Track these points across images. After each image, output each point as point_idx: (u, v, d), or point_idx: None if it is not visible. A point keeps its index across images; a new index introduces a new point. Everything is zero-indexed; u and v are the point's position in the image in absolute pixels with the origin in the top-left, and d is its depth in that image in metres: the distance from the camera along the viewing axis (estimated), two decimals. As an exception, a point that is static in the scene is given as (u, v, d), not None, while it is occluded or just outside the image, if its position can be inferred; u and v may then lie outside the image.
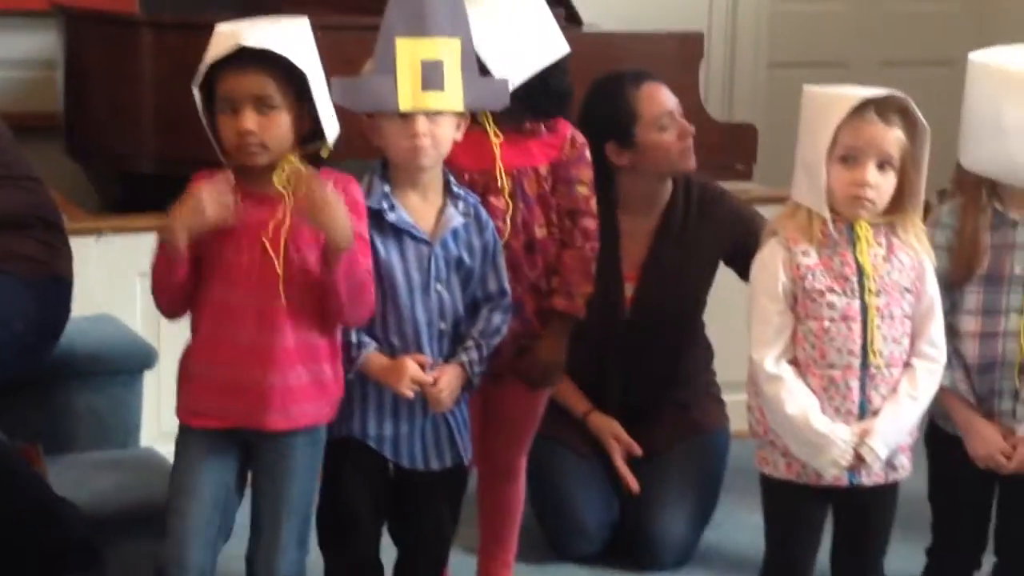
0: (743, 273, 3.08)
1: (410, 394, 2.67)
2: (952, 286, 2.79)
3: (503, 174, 2.92)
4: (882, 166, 2.61)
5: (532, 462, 3.26)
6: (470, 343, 2.76)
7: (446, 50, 2.63)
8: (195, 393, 2.63)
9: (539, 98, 2.95)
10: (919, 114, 2.64)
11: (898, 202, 2.65)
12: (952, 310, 2.79)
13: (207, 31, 2.59)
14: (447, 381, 2.70)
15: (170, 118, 3.97)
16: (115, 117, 4.17)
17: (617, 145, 3.19)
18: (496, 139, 2.92)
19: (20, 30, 4.19)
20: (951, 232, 2.80)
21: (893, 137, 2.60)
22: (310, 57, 2.56)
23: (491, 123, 2.91)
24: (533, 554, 3.40)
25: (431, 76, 2.61)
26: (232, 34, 2.52)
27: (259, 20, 2.61)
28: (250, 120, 2.51)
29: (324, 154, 2.62)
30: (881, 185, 2.61)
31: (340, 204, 2.49)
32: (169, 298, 2.60)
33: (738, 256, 3.22)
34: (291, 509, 2.64)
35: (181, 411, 2.66)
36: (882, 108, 2.61)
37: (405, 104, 2.61)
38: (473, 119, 2.79)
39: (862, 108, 2.59)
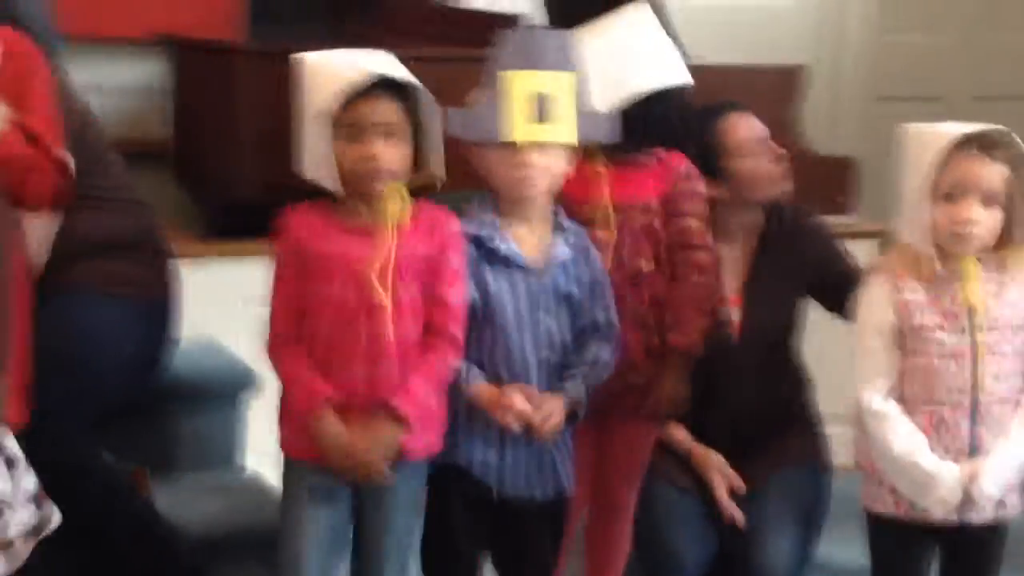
0: (829, 305, 3.10)
1: (516, 426, 2.65)
2: None
3: (609, 206, 2.92)
4: (986, 202, 2.59)
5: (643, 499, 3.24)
6: (575, 373, 2.74)
7: (558, 84, 2.66)
8: (298, 424, 2.61)
9: (644, 129, 2.95)
10: (1023, 146, 2.61)
11: (1007, 237, 2.63)
12: None
13: (307, 59, 2.64)
14: (551, 413, 2.68)
15: (273, 145, 3.99)
16: (220, 145, 4.21)
17: (710, 179, 3.17)
18: (603, 171, 2.94)
19: (131, 58, 4.26)
20: None
21: (996, 172, 2.60)
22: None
23: (599, 155, 2.92)
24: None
25: (543, 108, 2.63)
26: (357, 64, 2.55)
27: (361, 52, 2.65)
28: (377, 146, 2.52)
29: (438, 185, 2.63)
30: (986, 221, 2.60)
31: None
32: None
33: (825, 288, 3.18)
34: (396, 540, 2.65)
35: (286, 444, 2.66)
36: (983, 143, 2.60)
37: (517, 135, 2.62)
38: (584, 151, 2.79)
39: (963, 144, 2.58)
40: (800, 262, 3.21)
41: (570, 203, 2.87)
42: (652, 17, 3.13)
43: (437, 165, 2.62)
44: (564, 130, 2.66)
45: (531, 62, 2.64)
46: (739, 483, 3.33)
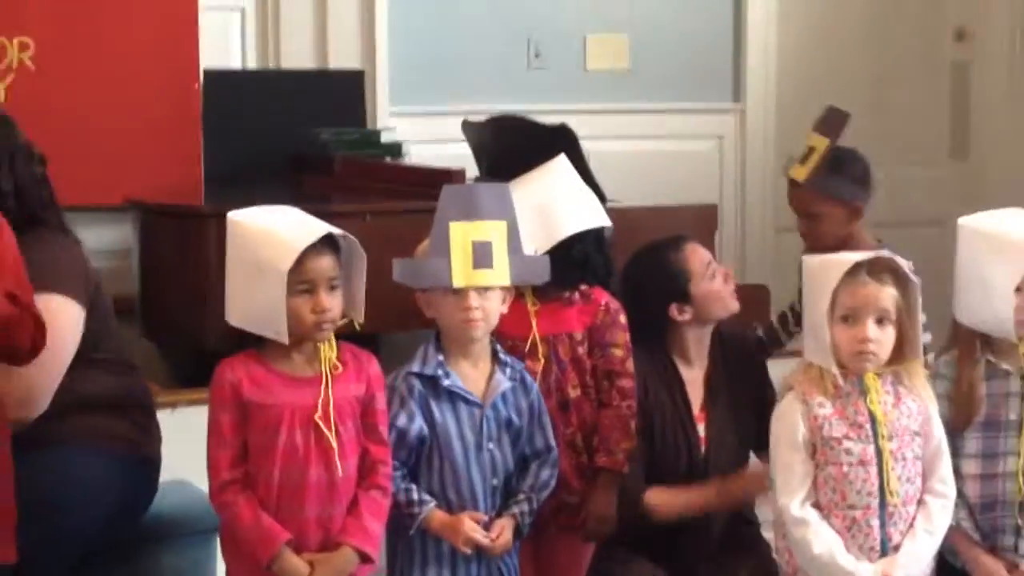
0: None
1: (467, 551, 2.69)
2: (953, 431, 2.80)
3: (538, 339, 2.99)
4: (880, 321, 2.64)
5: None
6: (521, 497, 2.79)
7: (494, 232, 2.71)
8: (251, 565, 2.61)
9: (567, 269, 3.02)
10: (908, 270, 2.68)
11: (899, 353, 2.67)
12: (954, 454, 2.80)
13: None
14: (504, 536, 2.74)
15: (234, 299, 4.05)
16: (185, 299, 4.23)
17: (679, 304, 3.23)
18: (532, 308, 3.00)
19: (99, 223, 4.29)
20: (949, 383, 2.82)
21: (887, 294, 2.64)
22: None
23: (531, 294, 2.99)
24: None
25: (481, 255, 2.69)
26: (302, 222, 2.59)
27: (283, 208, 2.68)
28: (326, 299, 2.55)
29: (358, 327, 2.65)
30: (881, 339, 2.64)
31: None
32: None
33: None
34: None
35: None
36: (873, 268, 2.65)
37: (459, 281, 2.68)
38: (516, 290, 2.85)
39: (855, 270, 2.63)
40: (747, 382, 3.26)
41: (503, 337, 2.92)
42: (570, 168, 3.20)
43: (359, 311, 2.64)
44: (501, 274, 2.71)
45: (470, 213, 2.70)
46: None
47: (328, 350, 2.59)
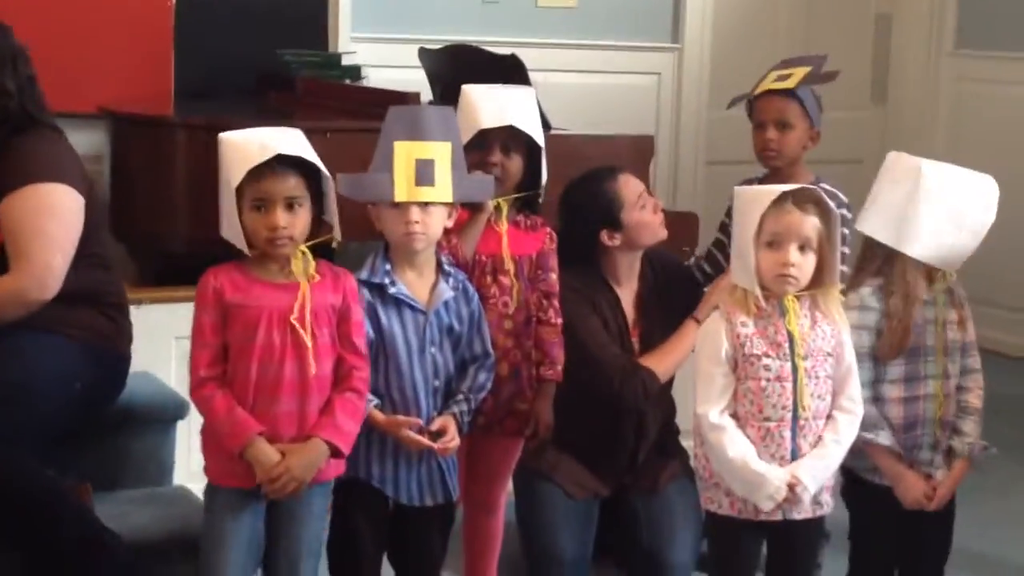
0: None
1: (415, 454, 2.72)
2: (883, 360, 2.81)
3: (508, 258, 3.00)
4: (802, 248, 2.64)
5: (525, 498, 3.26)
6: (460, 397, 2.79)
7: (438, 151, 2.67)
8: (225, 457, 2.60)
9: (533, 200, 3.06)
10: (830, 202, 2.68)
11: (818, 278, 2.68)
12: (878, 379, 2.82)
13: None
14: (450, 433, 2.74)
15: (199, 205, 3.95)
16: (153, 204, 4.18)
17: (610, 230, 3.22)
18: (503, 229, 3.01)
19: (74, 129, 4.23)
20: (878, 315, 2.81)
21: (809, 223, 2.64)
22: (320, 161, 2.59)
23: (504, 216, 3.00)
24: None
25: (424, 173, 2.66)
26: (262, 142, 2.53)
27: (272, 130, 2.63)
28: (282, 217, 2.53)
29: (335, 244, 2.64)
30: (802, 264, 2.64)
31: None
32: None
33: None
34: (307, 549, 2.64)
35: (210, 472, 2.65)
36: (799, 199, 2.65)
37: (400, 196, 2.65)
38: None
39: (782, 200, 2.63)
40: (678, 298, 3.27)
41: (479, 253, 2.95)
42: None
43: (334, 227, 2.62)
44: (443, 191, 2.68)
45: (415, 133, 2.67)
46: None
47: (300, 262, 2.57)
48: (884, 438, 2.79)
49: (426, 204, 2.67)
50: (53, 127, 3.01)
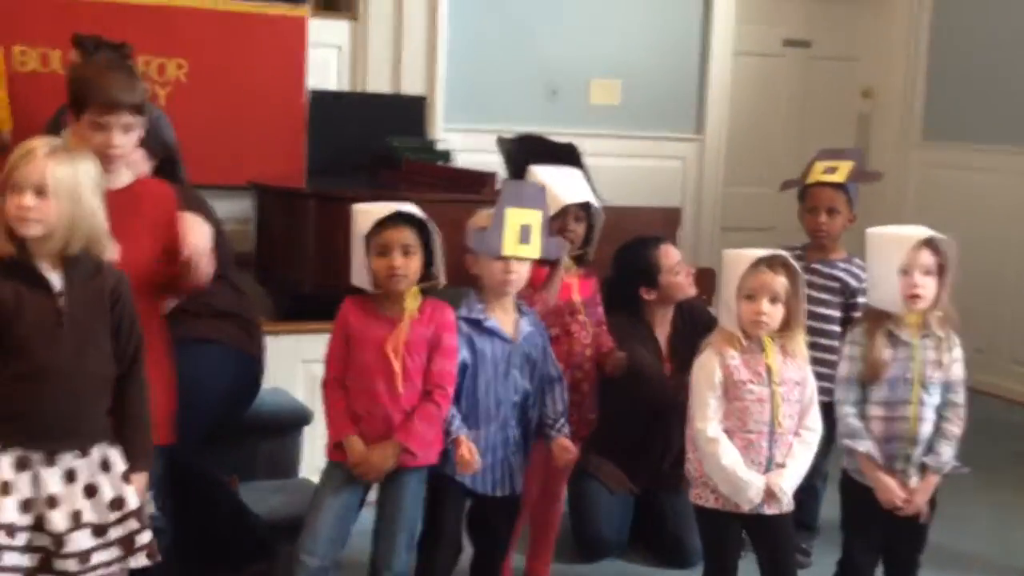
0: None
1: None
2: (866, 384, 2.77)
3: (579, 303, 3.00)
4: (772, 301, 2.63)
5: (576, 492, 3.24)
6: (559, 423, 2.81)
7: (534, 218, 2.69)
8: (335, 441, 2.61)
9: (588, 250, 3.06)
10: (795, 265, 2.68)
11: (786, 325, 2.67)
12: (865, 400, 2.77)
13: (349, 202, 2.66)
14: (571, 447, 2.80)
15: (324, 257, 4.03)
16: (288, 256, 4.24)
17: (647, 287, 3.25)
18: (574, 279, 3.01)
19: (229, 198, 4.32)
20: (861, 348, 2.78)
21: (778, 282, 2.64)
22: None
23: (573, 267, 3.00)
24: (566, 553, 3.34)
25: (524, 235, 2.67)
26: (387, 205, 2.58)
27: (390, 202, 2.63)
28: (398, 260, 2.56)
29: (440, 286, 2.65)
30: (772, 313, 2.64)
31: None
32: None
33: None
34: (403, 524, 2.63)
35: (330, 449, 2.65)
36: (771, 263, 2.65)
37: (507, 252, 2.67)
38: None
39: (757, 263, 2.64)
40: (701, 340, 3.28)
41: (557, 300, 2.93)
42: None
43: (440, 273, 2.63)
44: (535, 250, 2.70)
45: (521, 203, 2.68)
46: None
47: (411, 300, 2.58)
48: (863, 446, 2.74)
49: (522, 259, 2.69)
50: (190, 184, 3.03)
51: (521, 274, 2.71)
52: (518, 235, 2.66)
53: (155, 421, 2.34)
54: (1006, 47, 5.67)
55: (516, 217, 2.66)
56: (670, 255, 3.25)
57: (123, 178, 2.53)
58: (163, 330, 2.57)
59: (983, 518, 3.26)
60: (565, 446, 2.79)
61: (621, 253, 3.29)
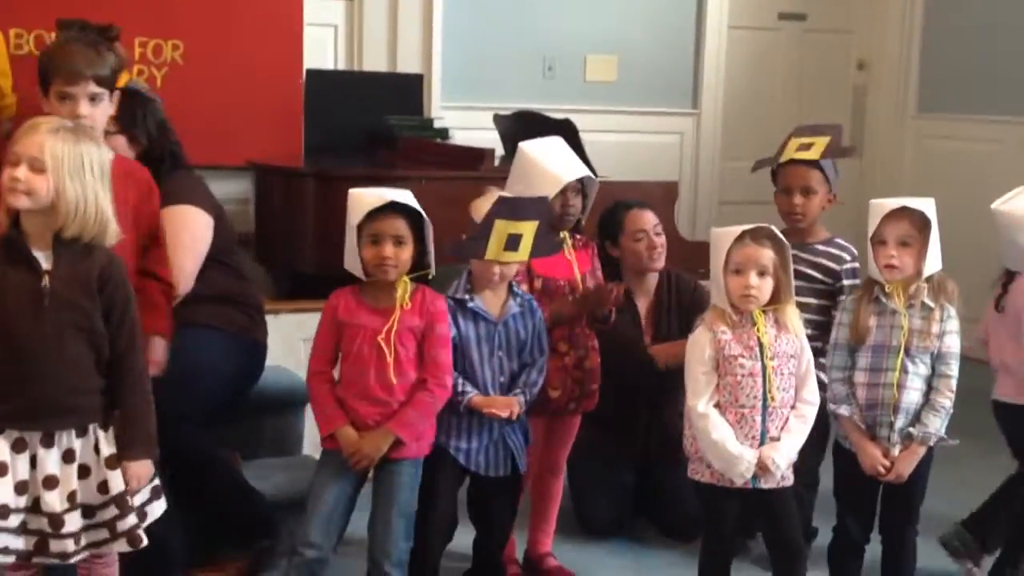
0: None
1: (503, 414, 2.69)
2: (851, 350, 2.78)
3: (578, 278, 2.96)
4: (761, 274, 2.60)
5: (573, 470, 3.22)
6: (518, 391, 2.76)
7: (527, 228, 2.66)
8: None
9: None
10: (781, 236, 2.65)
11: (776, 297, 2.65)
12: (851, 366, 2.78)
13: (347, 181, 2.65)
14: (514, 404, 2.73)
15: (323, 237, 4.04)
16: (288, 235, 4.24)
17: (610, 243, 3.21)
18: (570, 255, 2.96)
19: (227, 178, 4.31)
20: (851, 314, 2.79)
21: (765, 254, 2.61)
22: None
23: (572, 247, 2.95)
24: (567, 529, 3.34)
25: (512, 243, 2.65)
26: (380, 194, 2.55)
27: (389, 188, 2.60)
28: (389, 250, 2.53)
29: (429, 277, 2.63)
30: (761, 287, 2.61)
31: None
32: None
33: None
34: (400, 512, 2.61)
35: (322, 440, 2.65)
36: (756, 235, 2.62)
37: (489, 256, 2.65)
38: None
39: (743, 237, 2.61)
40: (686, 312, 3.22)
41: (559, 278, 2.90)
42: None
43: (430, 262, 2.61)
44: (522, 255, 2.68)
45: (514, 216, 2.64)
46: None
47: (401, 289, 2.57)
48: (845, 411, 2.76)
49: (505, 263, 2.67)
50: (187, 167, 3.00)
51: (507, 274, 2.70)
52: (503, 242, 2.63)
53: None
54: (1000, 18, 5.65)
55: (504, 227, 2.62)
56: (636, 220, 3.18)
57: None
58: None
59: (984, 486, 3.26)
60: (507, 402, 2.69)
61: (603, 215, 3.26)
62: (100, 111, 2.50)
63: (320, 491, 2.60)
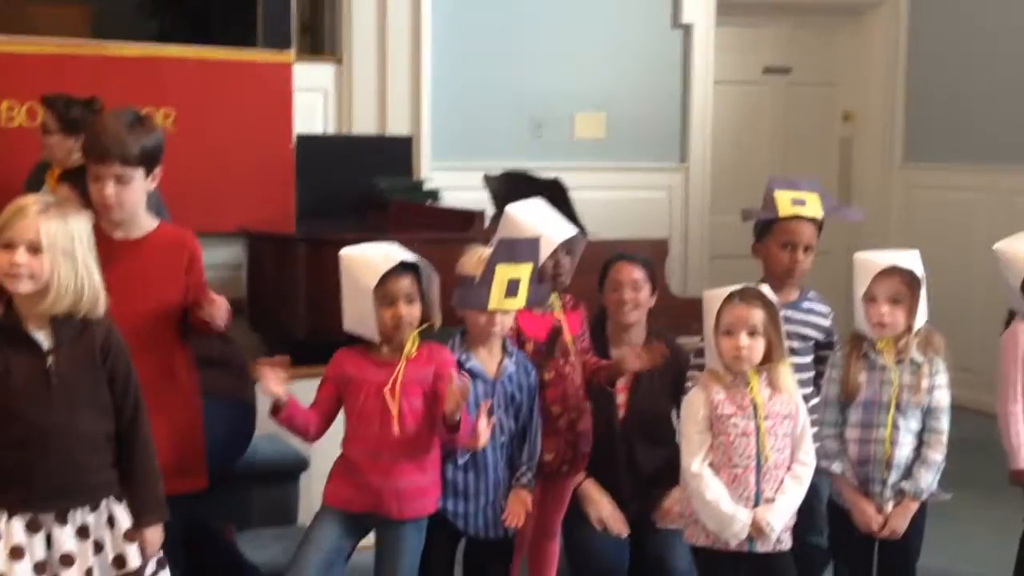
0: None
1: None
2: (842, 406, 2.77)
3: (571, 342, 2.95)
4: (751, 334, 2.60)
5: (571, 534, 3.18)
6: (524, 468, 2.76)
7: (524, 271, 2.68)
8: (338, 485, 2.61)
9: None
10: (771, 295, 2.65)
11: (768, 356, 2.64)
12: (843, 423, 2.77)
13: (338, 246, 2.63)
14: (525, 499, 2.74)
15: (316, 303, 4.02)
16: (280, 301, 4.22)
17: (601, 295, 3.18)
18: (561, 315, 2.95)
19: (219, 244, 4.31)
20: (840, 370, 2.79)
21: (755, 314, 2.60)
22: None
23: (561, 308, 2.96)
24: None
25: (511, 289, 2.66)
26: (386, 254, 2.56)
27: (385, 244, 2.62)
28: (404, 309, 2.55)
29: (435, 329, 2.65)
30: (752, 347, 2.60)
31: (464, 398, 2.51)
32: (302, 437, 2.65)
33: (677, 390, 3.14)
34: (403, 573, 2.60)
35: (326, 495, 2.63)
36: (744, 295, 2.62)
37: (492, 306, 2.66)
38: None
39: (731, 298, 2.61)
40: (674, 370, 3.16)
41: (533, 342, 2.89)
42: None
43: (436, 316, 2.64)
44: (520, 301, 2.69)
45: (513, 258, 2.66)
46: (619, 528, 3.16)
47: (410, 343, 2.57)
48: (837, 468, 2.75)
49: (507, 311, 2.69)
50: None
51: (506, 324, 2.71)
52: (505, 289, 2.65)
53: (190, 467, 2.37)
54: (983, 68, 5.72)
55: (505, 272, 2.64)
56: (616, 272, 3.14)
57: (141, 228, 2.55)
58: (190, 369, 2.59)
59: (982, 538, 3.23)
60: (522, 498, 2.73)
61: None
62: (129, 191, 2.49)
63: (311, 542, 2.57)
